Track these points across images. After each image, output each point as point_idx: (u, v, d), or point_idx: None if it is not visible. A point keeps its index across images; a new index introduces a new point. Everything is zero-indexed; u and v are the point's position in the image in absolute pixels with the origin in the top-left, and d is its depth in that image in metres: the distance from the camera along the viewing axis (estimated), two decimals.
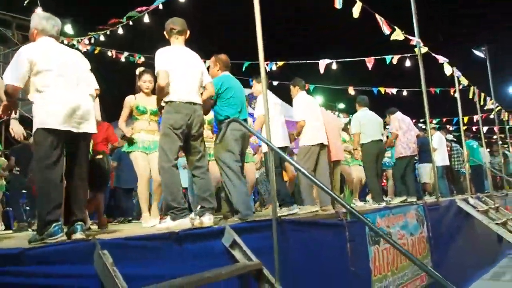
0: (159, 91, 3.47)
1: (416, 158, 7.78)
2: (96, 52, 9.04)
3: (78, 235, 2.61)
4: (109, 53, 9.26)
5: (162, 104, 3.52)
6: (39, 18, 3.02)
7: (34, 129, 2.74)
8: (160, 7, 7.03)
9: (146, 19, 7.41)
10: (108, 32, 8.15)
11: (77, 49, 8.82)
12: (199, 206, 3.53)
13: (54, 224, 2.54)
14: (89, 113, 2.91)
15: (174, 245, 2.57)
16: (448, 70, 7.49)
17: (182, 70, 3.53)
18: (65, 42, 8.95)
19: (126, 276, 2.05)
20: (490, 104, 10.57)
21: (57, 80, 2.79)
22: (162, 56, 3.50)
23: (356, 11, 5.98)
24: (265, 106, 3.56)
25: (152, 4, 7.11)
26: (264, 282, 2.85)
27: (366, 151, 6.56)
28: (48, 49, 2.87)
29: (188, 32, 3.75)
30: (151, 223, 4.17)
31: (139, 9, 7.45)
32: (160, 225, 3.39)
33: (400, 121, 7.08)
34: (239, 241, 2.88)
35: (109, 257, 2.07)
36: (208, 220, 3.39)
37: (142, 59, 9.21)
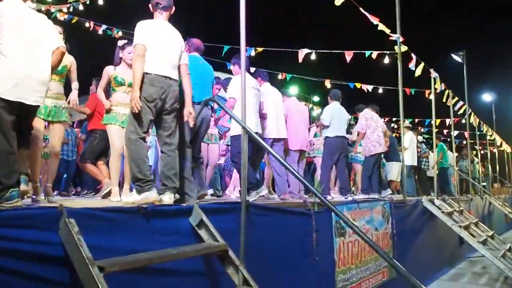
0: (136, 64, 3.40)
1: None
2: (73, 22, 8.78)
3: (22, 186, 2.64)
4: (87, 24, 9.00)
5: None
6: None
7: None
8: None
9: None
10: (87, 2, 7.91)
11: (55, 17, 8.55)
12: (160, 184, 3.51)
13: (11, 190, 2.54)
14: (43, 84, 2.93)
15: (141, 220, 2.55)
16: (421, 70, 7.65)
17: (161, 43, 3.49)
18: (43, 9, 8.66)
19: (91, 247, 2.03)
20: (463, 109, 10.85)
21: (11, 45, 2.76)
22: (142, 29, 3.45)
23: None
24: (242, 90, 3.55)
25: None
26: (229, 263, 2.87)
27: (328, 144, 6.65)
28: (7, 11, 2.82)
29: (174, 8, 3.69)
30: (118, 198, 4.15)
31: None
32: (126, 198, 3.34)
33: (368, 119, 7.15)
34: (206, 221, 2.88)
35: (75, 225, 2.03)
36: (168, 199, 3.35)
37: (120, 33, 8.99)
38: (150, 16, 3.69)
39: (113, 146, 4.30)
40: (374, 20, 6.53)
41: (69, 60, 4.08)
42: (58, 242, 2.09)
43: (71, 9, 8.48)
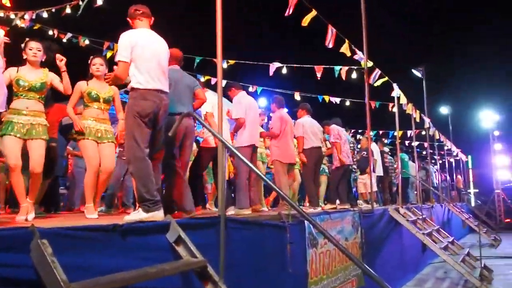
0: (115, 81, 3.31)
1: (354, 167, 8.12)
2: (35, 28, 8.45)
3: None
4: (50, 32, 8.67)
5: (127, 89, 3.39)
6: None
7: None
8: None
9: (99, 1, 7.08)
10: (53, 10, 7.65)
11: (16, 24, 8.21)
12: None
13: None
14: None
15: (118, 238, 2.45)
16: (381, 83, 7.94)
17: (149, 55, 3.36)
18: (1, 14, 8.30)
19: (67, 268, 1.91)
20: (427, 123, 11.29)
21: None
22: (126, 42, 3.30)
23: (306, 19, 6.14)
24: (219, 103, 3.52)
25: None
26: (208, 280, 2.79)
27: (306, 156, 6.72)
28: None
29: (153, 18, 3.59)
30: (95, 215, 4.03)
31: None
32: (131, 216, 3.20)
33: (340, 131, 7.37)
34: (184, 237, 2.80)
35: (49, 246, 1.91)
36: (162, 214, 3.28)
37: (87, 42, 8.73)
38: (123, 25, 3.59)
39: (88, 161, 4.14)
40: (331, 44, 6.69)
41: (49, 77, 3.93)
42: (29, 265, 1.96)
43: (33, 16, 8.14)
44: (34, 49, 3.87)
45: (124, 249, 2.49)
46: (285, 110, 6.79)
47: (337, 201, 7.47)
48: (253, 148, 5.47)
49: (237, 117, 5.35)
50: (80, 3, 7.34)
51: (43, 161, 3.71)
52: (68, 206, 7.33)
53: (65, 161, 7.31)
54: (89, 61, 4.42)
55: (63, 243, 2.14)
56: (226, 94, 5.66)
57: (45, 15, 7.97)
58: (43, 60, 3.96)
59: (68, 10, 7.59)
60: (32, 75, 3.82)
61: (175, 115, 3.76)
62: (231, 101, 5.77)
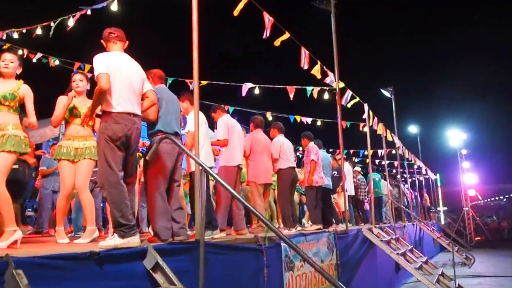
0: (100, 96, 3.23)
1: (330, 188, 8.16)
2: (4, 47, 8.24)
3: None
4: (20, 52, 8.47)
5: (99, 112, 3.31)
6: None
7: None
8: (89, 12, 6.74)
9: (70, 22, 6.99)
10: (24, 31, 7.50)
11: None
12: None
13: None
14: None
15: (94, 266, 2.37)
16: (352, 104, 8.16)
17: (122, 78, 3.33)
18: None
19: None
20: (398, 143, 11.58)
21: None
22: (101, 60, 3.27)
23: (279, 40, 6.28)
24: (195, 125, 3.52)
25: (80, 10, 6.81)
26: None
27: (283, 176, 6.71)
28: None
29: (127, 42, 3.59)
30: (66, 239, 3.89)
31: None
32: (106, 242, 3.10)
33: (319, 151, 7.43)
34: (162, 263, 2.75)
35: (24, 277, 1.83)
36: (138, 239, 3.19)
37: (57, 62, 8.58)
38: (95, 47, 3.57)
39: (62, 184, 4.02)
40: (306, 65, 6.86)
41: (22, 90, 3.73)
42: None
43: (4, 37, 7.95)
44: (6, 61, 3.76)
45: (101, 277, 2.42)
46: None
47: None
48: (237, 168, 5.53)
49: (221, 139, 5.46)
50: (52, 24, 7.23)
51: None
52: (35, 229, 7.06)
53: (32, 182, 7.08)
54: (72, 75, 4.35)
55: (39, 273, 2.06)
56: (209, 115, 5.71)
57: (15, 36, 7.81)
58: (18, 72, 3.84)
59: (39, 31, 7.45)
60: (2, 85, 3.71)
61: (172, 135, 3.75)
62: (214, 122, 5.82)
